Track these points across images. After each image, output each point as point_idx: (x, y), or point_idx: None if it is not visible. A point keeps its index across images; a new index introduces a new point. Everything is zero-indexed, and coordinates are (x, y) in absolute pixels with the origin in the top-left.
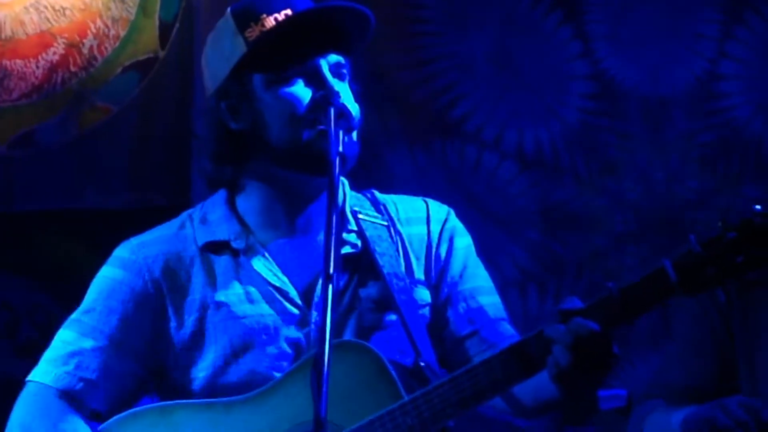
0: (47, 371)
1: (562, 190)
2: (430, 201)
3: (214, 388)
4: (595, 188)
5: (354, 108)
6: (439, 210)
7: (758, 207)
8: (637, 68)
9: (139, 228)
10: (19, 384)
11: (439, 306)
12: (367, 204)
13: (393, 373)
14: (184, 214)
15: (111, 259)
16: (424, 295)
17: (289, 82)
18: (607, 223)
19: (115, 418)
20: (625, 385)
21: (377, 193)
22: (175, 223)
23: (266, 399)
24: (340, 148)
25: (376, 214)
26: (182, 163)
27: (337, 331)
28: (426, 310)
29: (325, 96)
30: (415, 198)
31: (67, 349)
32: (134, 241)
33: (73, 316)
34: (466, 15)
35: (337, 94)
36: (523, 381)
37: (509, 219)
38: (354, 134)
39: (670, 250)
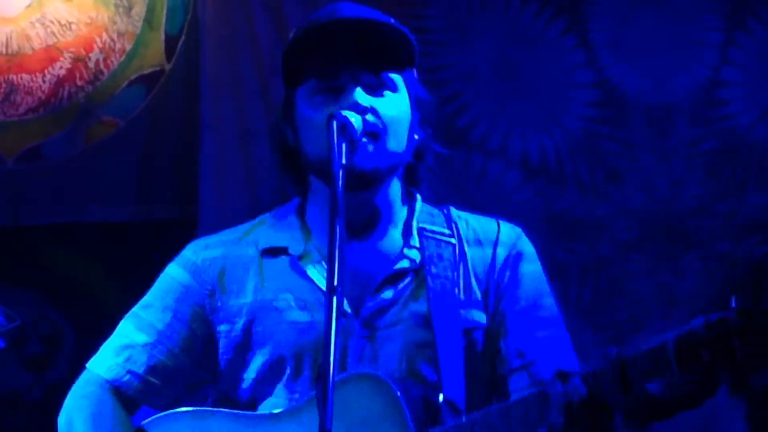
0: (100, 361)
1: (566, 198)
2: (503, 223)
3: (262, 392)
4: (598, 196)
5: (357, 121)
6: (510, 233)
7: None
8: (640, 76)
9: (145, 241)
10: (25, 396)
11: (492, 333)
12: (440, 220)
13: (403, 406)
14: (258, 218)
15: (177, 258)
16: (478, 317)
17: (324, 96)
18: (611, 230)
19: (153, 417)
20: None
21: (453, 210)
22: (245, 226)
23: (293, 416)
24: (344, 161)
25: (445, 230)
26: (189, 175)
27: (381, 343)
28: (477, 334)
29: (332, 112)
30: (489, 219)
31: (121, 341)
32: (201, 242)
33: (134, 309)
34: (470, 24)
35: (363, 110)
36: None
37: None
38: (382, 145)
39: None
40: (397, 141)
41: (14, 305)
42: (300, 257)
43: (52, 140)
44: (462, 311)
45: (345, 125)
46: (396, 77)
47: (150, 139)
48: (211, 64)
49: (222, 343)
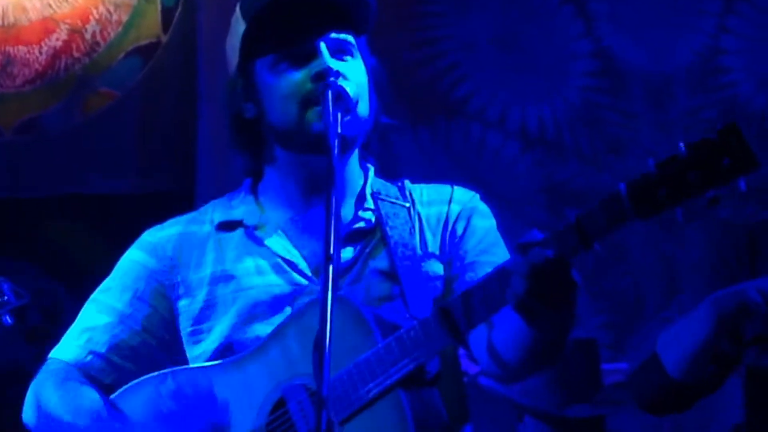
0: (62, 347)
1: (566, 169)
2: (458, 186)
3: (223, 358)
4: (598, 166)
5: (351, 88)
6: (464, 193)
7: (718, 126)
8: (639, 46)
9: (143, 212)
10: (26, 368)
11: (450, 279)
12: (394, 190)
13: (371, 323)
14: (210, 203)
15: (135, 243)
16: (435, 268)
17: (287, 62)
18: None
19: (120, 389)
20: None
21: (407, 182)
22: (198, 210)
23: (258, 356)
24: (339, 130)
25: (399, 197)
26: (187, 147)
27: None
28: (437, 283)
29: (321, 77)
30: (444, 185)
31: (81, 325)
32: (156, 226)
33: (93, 294)
34: None
35: (335, 74)
36: (489, 318)
37: (513, 198)
38: (359, 112)
39: (674, 226)
40: (365, 107)
41: (14, 278)
42: (256, 228)
43: (49, 112)
44: (422, 264)
45: (340, 94)
46: (354, 42)
47: (147, 110)
48: (208, 34)
49: (183, 318)
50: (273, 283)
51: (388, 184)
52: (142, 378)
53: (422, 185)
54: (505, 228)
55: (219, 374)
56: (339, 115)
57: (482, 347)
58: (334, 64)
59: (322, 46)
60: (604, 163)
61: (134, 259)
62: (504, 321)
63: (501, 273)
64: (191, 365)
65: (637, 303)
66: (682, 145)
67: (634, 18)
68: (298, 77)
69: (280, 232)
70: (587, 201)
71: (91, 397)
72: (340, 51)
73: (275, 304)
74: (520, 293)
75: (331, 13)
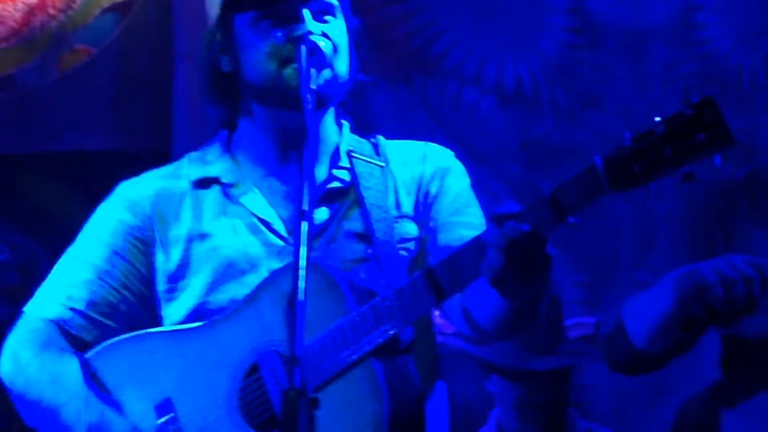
0: (39, 303)
1: (543, 124)
2: (432, 144)
3: (198, 317)
4: (575, 121)
5: (328, 46)
6: (439, 151)
7: (694, 99)
8: (616, 1)
9: (120, 169)
10: (4, 327)
11: (425, 239)
12: (368, 148)
13: (344, 289)
14: (185, 156)
15: (108, 198)
16: (409, 228)
17: (268, 21)
18: (588, 155)
19: (93, 350)
20: None
21: (381, 138)
22: (174, 164)
23: (233, 319)
24: (313, 86)
25: (373, 155)
26: (163, 103)
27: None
28: (411, 244)
29: (298, 34)
30: (418, 142)
31: (60, 281)
32: (130, 181)
33: (68, 250)
34: None
35: (309, 32)
36: (463, 288)
37: (490, 154)
38: (338, 70)
39: None
40: (344, 67)
41: None
42: (232, 186)
43: (25, 69)
44: (395, 224)
45: (314, 50)
46: (337, 3)
47: (123, 67)
48: None
49: (159, 274)
50: (248, 242)
51: (363, 141)
52: (117, 339)
53: (396, 142)
54: (481, 184)
55: (194, 338)
56: (313, 70)
57: (456, 311)
58: (315, 27)
59: (306, 12)
60: (581, 119)
61: (111, 214)
62: (478, 289)
63: (477, 244)
64: (166, 328)
65: (611, 260)
66: (658, 119)
67: None
68: (279, 38)
69: (255, 190)
70: (563, 156)
71: (71, 369)
72: (322, 12)
73: (250, 264)
74: (495, 267)
75: None
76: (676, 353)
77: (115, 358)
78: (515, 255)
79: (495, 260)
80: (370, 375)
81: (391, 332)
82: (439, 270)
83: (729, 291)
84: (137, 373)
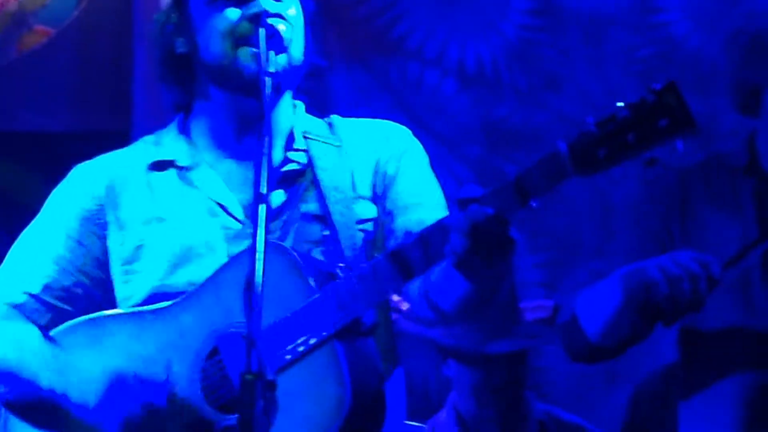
0: None
1: (504, 106)
2: (389, 122)
3: (155, 300)
4: (536, 103)
5: (286, 28)
6: (395, 130)
7: (657, 85)
8: None
9: (79, 150)
10: None
11: (384, 220)
12: (324, 128)
13: (304, 270)
14: (140, 140)
15: (63, 181)
16: (367, 209)
17: (221, 2)
18: (548, 137)
19: (53, 331)
20: None
21: (337, 118)
22: (128, 147)
23: (193, 303)
24: (272, 69)
25: (329, 135)
26: (123, 86)
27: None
28: (369, 225)
29: (255, 16)
30: (375, 120)
31: (14, 265)
32: (85, 164)
33: (24, 233)
34: None
35: (266, 14)
36: (426, 271)
37: (451, 135)
38: (293, 54)
39: None
40: (300, 50)
41: None
42: (188, 169)
43: None
44: (353, 205)
45: (274, 34)
46: None
47: (83, 47)
48: None
49: (114, 257)
50: (205, 226)
51: (318, 121)
52: (75, 321)
53: (352, 120)
54: (442, 165)
55: (154, 320)
56: (272, 54)
57: (416, 293)
58: (271, 6)
59: None
60: (541, 101)
61: (64, 197)
62: (440, 271)
63: (443, 226)
64: (125, 310)
65: (571, 242)
66: (620, 104)
67: None
68: (234, 16)
69: (212, 173)
70: (524, 138)
71: (32, 333)
72: None
73: (207, 247)
74: (459, 250)
75: None
76: (630, 344)
77: (73, 340)
78: (479, 238)
79: (458, 244)
80: (332, 358)
81: (353, 315)
82: (407, 250)
83: (673, 289)
84: (96, 355)
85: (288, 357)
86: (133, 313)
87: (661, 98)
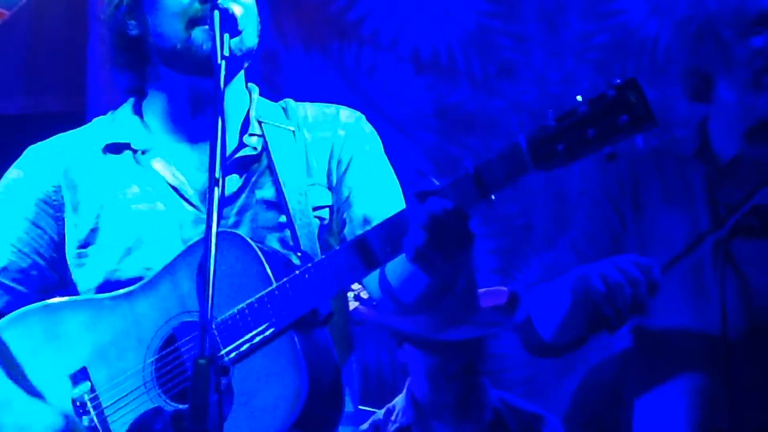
0: None
1: (458, 92)
2: (342, 107)
3: (110, 284)
4: (491, 90)
5: (239, 10)
6: (349, 116)
7: (617, 81)
8: None
9: (33, 132)
10: None
11: (340, 207)
12: (279, 112)
13: (263, 258)
14: (93, 120)
15: (16, 162)
16: (322, 196)
17: None
18: (502, 124)
19: (5, 317)
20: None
21: (290, 101)
22: (82, 128)
23: (148, 291)
24: (226, 52)
25: (284, 119)
26: (77, 68)
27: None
28: (325, 212)
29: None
30: (327, 105)
31: None
32: (40, 144)
33: None
34: None
35: None
36: (385, 263)
37: (405, 121)
38: (247, 38)
39: None
40: (252, 31)
41: None
42: (144, 152)
43: None
44: (309, 192)
45: (228, 15)
46: None
47: (37, 30)
48: None
49: (69, 239)
50: (159, 209)
51: (272, 104)
52: (30, 307)
53: (306, 105)
54: (397, 151)
55: (110, 308)
56: (226, 36)
57: (375, 282)
58: None
59: None
60: (496, 87)
61: (19, 178)
62: (399, 263)
63: (403, 219)
64: (81, 297)
65: (526, 228)
66: (580, 98)
67: None
68: None
69: (167, 156)
70: (479, 125)
71: None
72: None
73: (161, 230)
74: (418, 243)
75: None
76: (584, 342)
77: (28, 326)
78: (438, 232)
79: (417, 237)
80: (289, 348)
81: (311, 306)
82: (370, 240)
83: (614, 296)
84: (52, 341)
85: (246, 346)
86: (87, 301)
87: (622, 94)
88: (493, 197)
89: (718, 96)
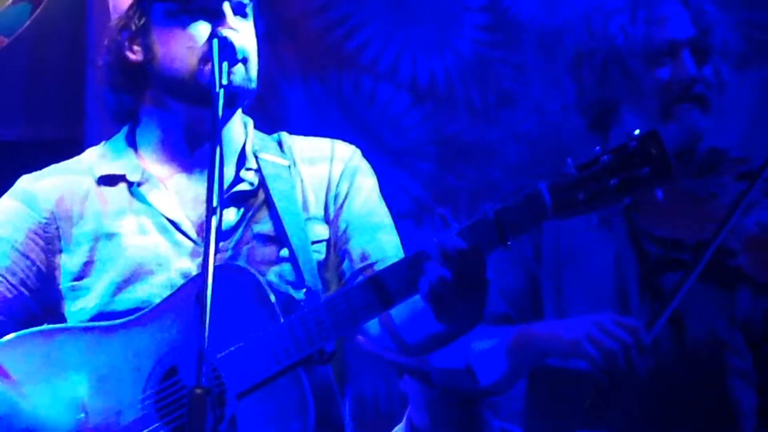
0: None
1: (456, 122)
2: (338, 141)
3: (103, 317)
4: (489, 120)
5: (243, 44)
6: (344, 150)
7: (637, 132)
8: None
9: (32, 160)
10: None
11: (337, 242)
12: (273, 145)
13: (270, 294)
14: (87, 151)
15: (9, 191)
16: (319, 231)
17: (190, 15)
18: (501, 154)
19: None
20: None
21: (285, 135)
22: (75, 158)
23: (148, 322)
24: (225, 81)
25: (279, 153)
26: (76, 95)
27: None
28: (321, 246)
29: (220, 31)
30: (323, 139)
31: None
32: (32, 174)
33: None
34: None
35: (231, 29)
36: (399, 303)
37: (403, 150)
38: (250, 71)
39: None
40: (254, 68)
41: None
42: (139, 184)
43: None
44: (306, 227)
45: (226, 45)
46: (250, 4)
47: (36, 57)
48: None
49: (62, 272)
50: (156, 242)
51: (267, 138)
52: (21, 333)
53: (301, 138)
54: (394, 180)
55: (109, 337)
56: (226, 64)
57: (378, 322)
58: (236, 24)
59: (227, 6)
60: (495, 117)
61: (11, 208)
62: (409, 304)
63: (415, 259)
64: (79, 324)
65: None
66: (598, 148)
67: None
68: (201, 34)
69: (164, 189)
70: (477, 154)
71: None
72: (240, 12)
73: (158, 264)
74: (433, 280)
75: None
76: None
77: (25, 351)
78: (456, 270)
79: (432, 274)
80: (296, 385)
81: (320, 344)
82: (386, 278)
83: (609, 362)
84: (47, 368)
85: (253, 382)
86: (87, 328)
87: (643, 146)
88: (509, 242)
89: (622, 125)
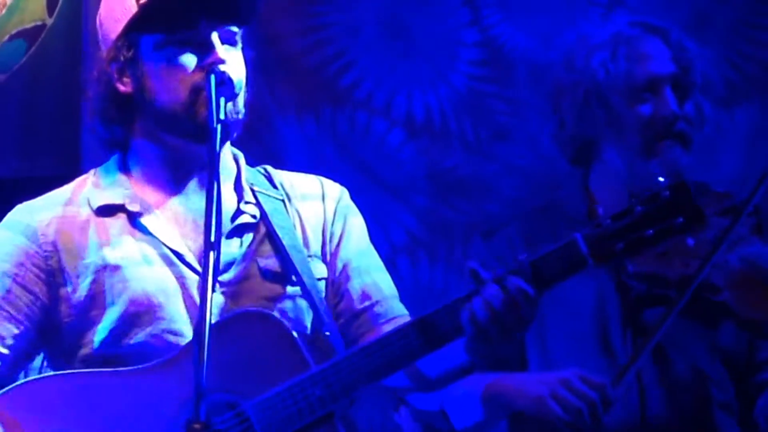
0: None
1: (451, 157)
2: (324, 179)
3: (111, 352)
4: (484, 154)
5: (236, 77)
6: (333, 188)
7: (662, 179)
8: (528, 34)
9: (28, 196)
10: None
11: (334, 281)
12: (262, 179)
13: (298, 341)
14: (78, 179)
15: (4, 223)
16: (320, 268)
17: (178, 46)
18: (496, 188)
19: (5, 389)
20: None
21: (270, 169)
22: (68, 188)
23: (176, 366)
24: (222, 116)
25: (271, 188)
26: (72, 131)
27: (233, 300)
28: (323, 284)
29: (209, 63)
30: (308, 175)
31: None
32: (27, 206)
33: None
34: None
35: (220, 62)
36: (437, 349)
37: (398, 185)
38: (239, 103)
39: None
40: (244, 98)
41: None
42: (139, 214)
43: None
44: (310, 265)
45: (224, 80)
46: (239, 32)
47: (31, 94)
48: (93, 17)
49: (65, 306)
50: (161, 274)
51: (255, 171)
52: (39, 376)
53: (288, 174)
54: (389, 215)
55: (129, 382)
56: (223, 100)
57: None
58: (225, 55)
59: (215, 36)
60: (489, 152)
61: (11, 242)
62: None
63: (456, 305)
64: (96, 369)
65: None
66: (633, 200)
67: (524, 6)
68: (190, 65)
69: (162, 218)
70: (472, 189)
71: None
72: (229, 41)
73: (166, 295)
74: (480, 320)
75: (222, 2)
76: None
77: (38, 397)
78: (507, 310)
79: (482, 314)
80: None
81: (360, 389)
82: (436, 319)
83: (575, 420)
84: (64, 414)
85: (292, 426)
86: (108, 373)
87: (675, 196)
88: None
89: (602, 160)
